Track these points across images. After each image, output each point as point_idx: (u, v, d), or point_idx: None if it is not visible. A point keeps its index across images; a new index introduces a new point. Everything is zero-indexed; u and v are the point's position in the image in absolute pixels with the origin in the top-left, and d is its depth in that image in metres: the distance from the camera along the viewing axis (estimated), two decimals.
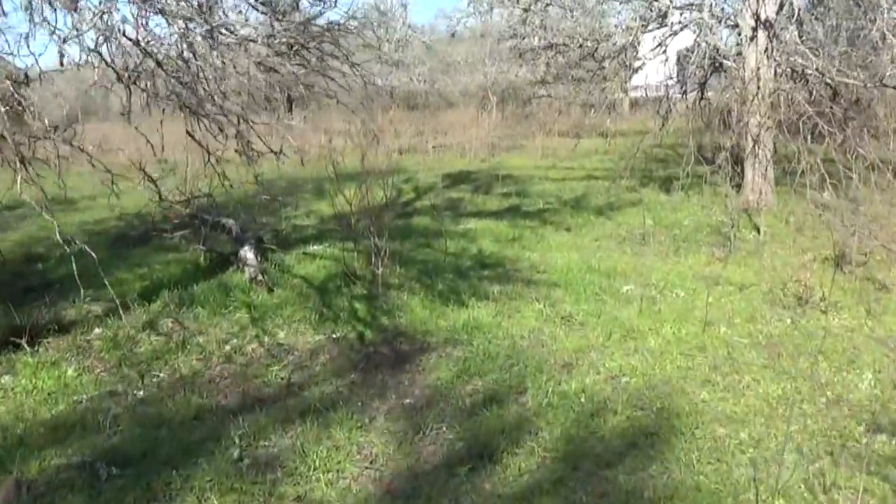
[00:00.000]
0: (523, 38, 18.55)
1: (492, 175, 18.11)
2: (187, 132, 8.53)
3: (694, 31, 16.36)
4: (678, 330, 7.95)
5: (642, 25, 15.35)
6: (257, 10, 8.68)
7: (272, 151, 8.94)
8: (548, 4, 17.73)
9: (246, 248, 10.08)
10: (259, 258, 10.08)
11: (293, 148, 10.09)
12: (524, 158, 23.80)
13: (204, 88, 7.76)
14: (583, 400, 6.34)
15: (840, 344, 7.68)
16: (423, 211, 14.78)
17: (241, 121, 8.30)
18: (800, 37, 15.44)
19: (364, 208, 10.72)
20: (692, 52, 16.26)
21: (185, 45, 7.64)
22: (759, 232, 12.51)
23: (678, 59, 18.68)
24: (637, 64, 16.10)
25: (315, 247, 11.42)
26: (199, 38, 7.70)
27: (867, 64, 17.77)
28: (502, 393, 6.50)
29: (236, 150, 8.61)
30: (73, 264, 7.27)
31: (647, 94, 17.48)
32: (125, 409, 6.45)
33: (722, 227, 12.52)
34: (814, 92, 15.75)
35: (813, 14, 17.03)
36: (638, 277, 9.94)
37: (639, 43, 15.83)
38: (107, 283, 7.59)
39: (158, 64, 7.50)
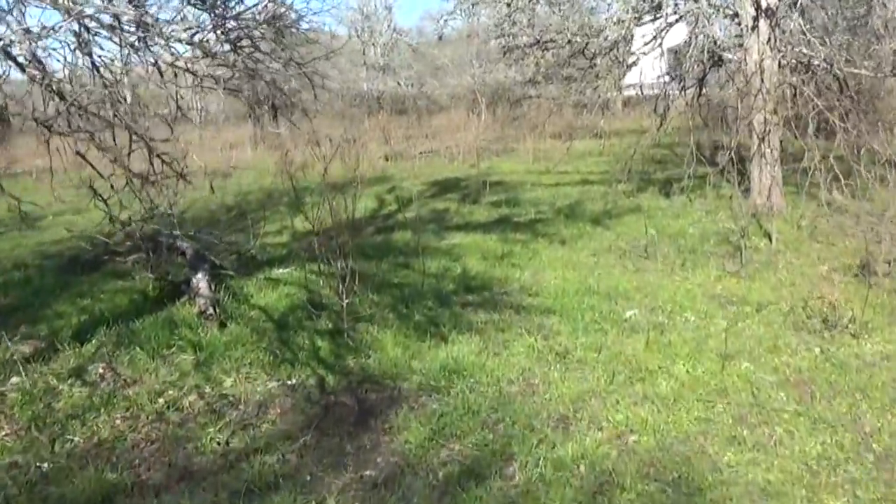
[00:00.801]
0: (511, 38, 17.35)
1: (481, 182, 16.84)
2: (77, 153, 7.28)
3: (689, 23, 15.13)
4: (693, 368, 6.73)
5: (635, 18, 14.12)
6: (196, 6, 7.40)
7: (177, 175, 7.69)
8: (534, 1, 16.51)
9: (199, 275, 8.83)
10: (213, 287, 8.82)
11: (205, 169, 8.79)
12: (515, 163, 22.57)
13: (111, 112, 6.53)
14: (583, 470, 5.13)
15: (879, 377, 6.54)
16: (404, 225, 13.54)
17: (139, 140, 7.05)
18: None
19: (336, 225, 9.44)
20: (689, 46, 15.03)
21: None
22: (770, 240, 11.34)
23: (675, 55, 17.44)
24: (631, 60, 14.85)
25: (281, 270, 10.15)
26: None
27: (871, 53, 16.64)
28: (484, 463, 5.27)
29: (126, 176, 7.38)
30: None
31: (642, 92, 16.06)
32: (22, 487, 5.22)
33: (730, 234, 11.40)
34: (820, 84, 14.57)
35: (814, 1, 15.80)
36: (642, 299, 8.78)
37: (631, 37, 14.60)
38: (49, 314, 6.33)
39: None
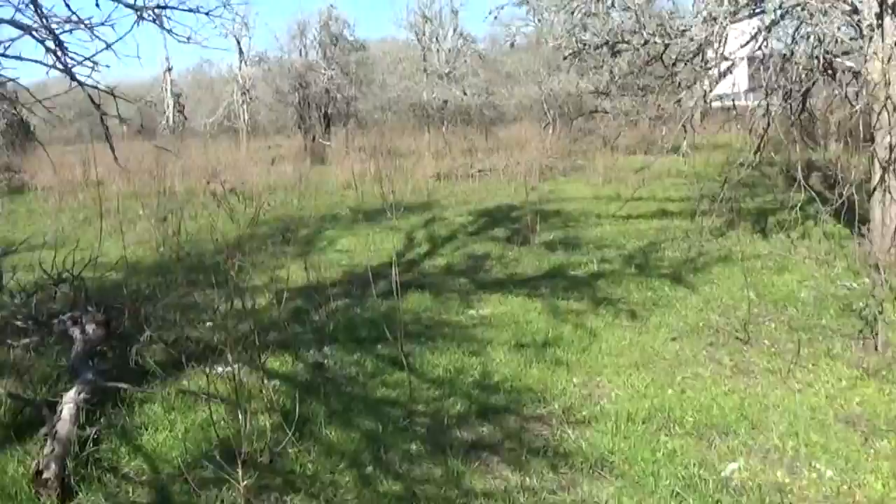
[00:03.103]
0: (582, 44, 13.99)
1: (537, 212, 13.39)
2: None
3: (795, 20, 11.56)
4: None
5: (731, 13, 10.61)
6: None
7: None
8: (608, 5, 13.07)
9: (71, 394, 5.61)
10: (85, 414, 5.59)
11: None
12: (582, 184, 19.13)
13: None
14: None
15: None
16: (428, 277, 10.28)
17: None
18: None
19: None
20: (793, 50, 11.47)
21: None
22: None
23: (761, 62, 13.77)
24: (725, 65, 11.33)
25: (221, 369, 6.83)
26: None
27: None
28: None
29: None
30: None
31: (734, 107, 12.51)
32: None
33: (854, 299, 8.32)
34: None
35: None
36: (748, 432, 5.63)
37: (725, 38, 11.08)
38: None
39: None
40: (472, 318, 8.34)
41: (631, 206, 15.04)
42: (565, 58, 12.56)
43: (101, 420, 5.77)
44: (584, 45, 13.05)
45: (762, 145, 11.78)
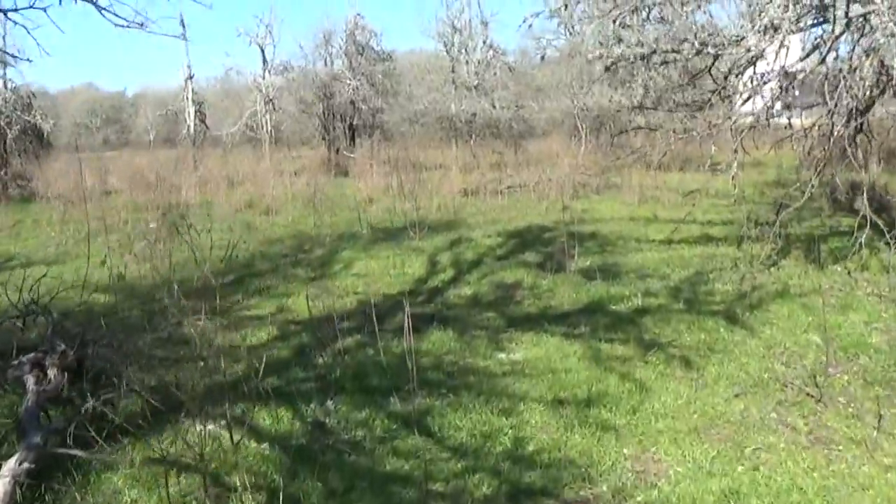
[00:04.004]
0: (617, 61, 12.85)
1: (572, 234, 12.17)
2: None
3: (857, 31, 10.35)
4: None
5: (793, 21, 9.41)
6: None
7: None
8: (646, 19, 11.92)
9: (10, 463, 4.54)
10: (18, 494, 4.50)
11: None
12: (617, 204, 17.88)
13: None
14: None
15: None
16: (452, 309, 9.13)
17: None
18: None
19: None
20: (856, 64, 10.25)
21: None
22: None
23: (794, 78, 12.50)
24: (782, 82, 10.10)
25: (199, 426, 5.72)
26: None
27: None
28: None
29: None
30: None
31: (790, 125, 11.23)
32: None
33: None
34: None
35: None
36: None
37: (787, 49, 9.88)
38: None
39: None
40: (501, 364, 7.18)
41: (670, 227, 13.86)
42: (606, 69, 11.33)
43: (46, 497, 4.66)
44: (621, 57, 11.90)
45: (821, 167, 10.55)
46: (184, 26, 30.80)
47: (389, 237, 13.79)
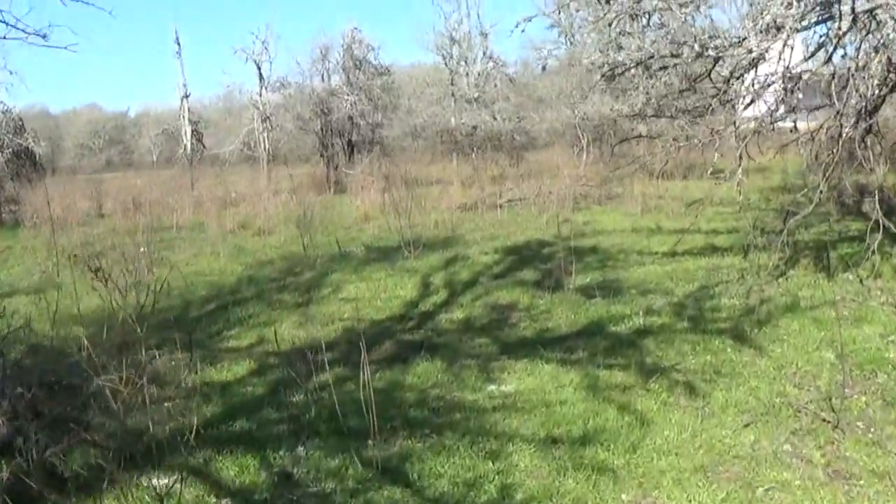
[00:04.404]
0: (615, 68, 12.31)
1: (571, 249, 11.59)
2: None
3: (863, 29, 9.78)
4: None
5: (797, 19, 8.86)
6: None
7: None
8: (646, 26, 11.39)
9: None
10: None
11: None
12: (619, 215, 17.30)
13: None
14: None
15: None
16: (443, 335, 8.58)
17: None
18: None
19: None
20: (865, 62, 9.68)
21: None
22: None
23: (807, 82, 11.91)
24: (787, 85, 9.50)
25: (154, 480, 5.17)
26: None
27: None
28: None
29: None
30: None
31: (795, 128, 10.67)
32: None
33: None
34: None
35: None
36: None
37: (792, 49, 9.30)
38: None
39: None
40: (491, 398, 6.60)
41: (673, 240, 13.28)
42: (602, 76, 10.78)
43: None
44: (619, 64, 11.35)
45: (829, 171, 9.95)
46: (179, 44, 30.48)
47: (383, 257, 13.24)
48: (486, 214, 18.16)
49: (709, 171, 11.87)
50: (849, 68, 8.96)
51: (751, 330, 8.03)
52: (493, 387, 6.83)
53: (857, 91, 8.86)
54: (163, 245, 16.45)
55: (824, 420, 5.94)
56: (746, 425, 5.92)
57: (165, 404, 6.82)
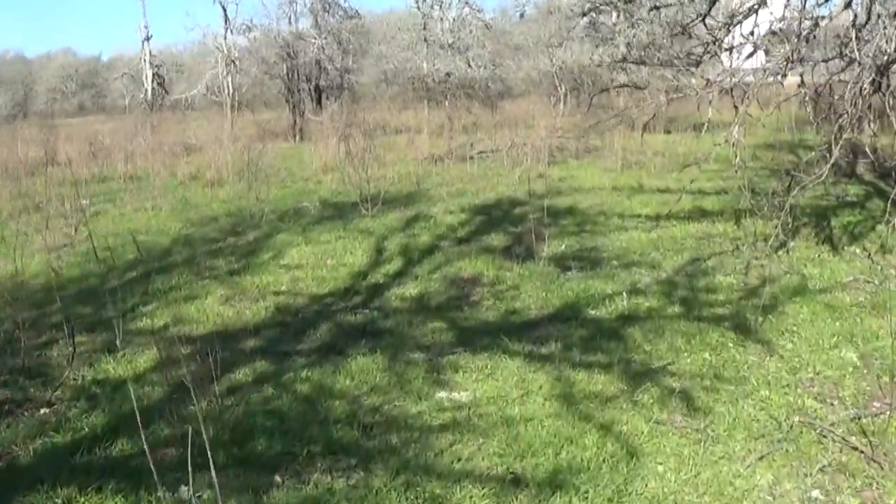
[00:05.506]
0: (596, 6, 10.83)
1: (545, 210, 10.14)
2: None
3: None
4: None
5: None
6: None
7: None
8: None
9: None
10: None
11: None
12: (598, 170, 15.84)
13: None
14: None
15: None
16: (390, 317, 7.15)
17: None
18: None
19: None
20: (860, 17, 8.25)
21: None
22: None
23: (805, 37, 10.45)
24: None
25: None
26: None
27: None
28: None
29: None
30: None
31: (802, 80, 9.25)
32: None
33: None
34: None
35: None
36: None
37: None
38: None
39: None
40: (440, 409, 5.16)
41: (658, 200, 11.89)
42: (584, 14, 9.31)
43: None
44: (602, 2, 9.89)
45: (844, 132, 8.52)
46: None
47: (338, 214, 11.78)
48: (455, 167, 16.62)
49: (705, 128, 10.45)
50: (879, 14, 7.48)
51: (755, 319, 6.65)
52: (443, 393, 5.41)
53: (888, 42, 7.40)
54: (105, 198, 14.91)
55: (855, 448, 4.60)
56: (762, 457, 4.55)
57: (42, 411, 5.41)
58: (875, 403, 5.25)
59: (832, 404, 5.25)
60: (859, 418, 4.97)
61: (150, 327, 7.03)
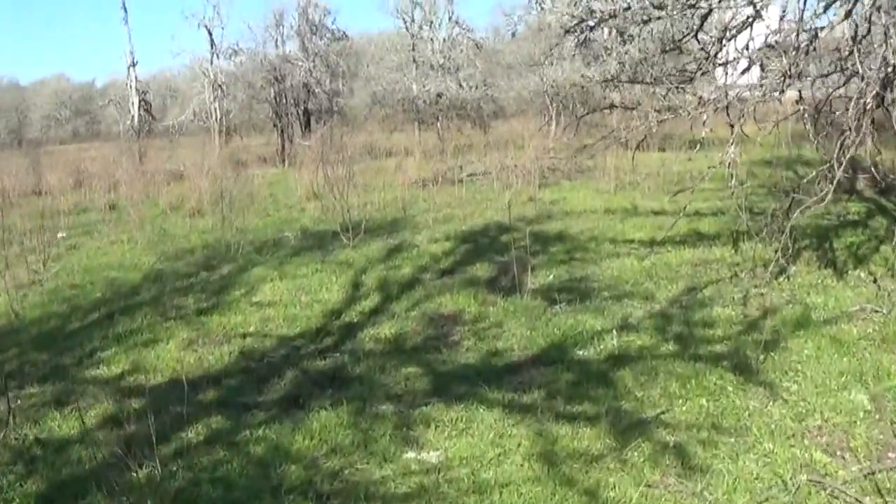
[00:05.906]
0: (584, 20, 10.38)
1: (534, 237, 9.61)
2: None
3: None
4: None
5: None
6: None
7: None
8: None
9: None
10: None
11: None
12: (590, 192, 15.33)
13: None
14: None
15: None
16: (361, 362, 6.60)
17: None
18: None
19: None
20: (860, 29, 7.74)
21: None
22: None
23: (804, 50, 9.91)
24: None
25: None
26: None
27: None
28: None
29: None
30: None
31: (800, 95, 8.75)
32: None
33: None
34: None
35: None
36: None
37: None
38: None
39: None
40: (406, 473, 4.60)
41: (653, 224, 11.36)
42: (571, 30, 8.80)
43: None
44: (592, 16, 9.36)
45: (846, 151, 7.99)
46: (126, 10, 28.25)
47: (318, 245, 11.25)
48: (443, 191, 16.08)
49: (697, 147, 9.95)
50: (886, 25, 6.96)
51: (755, 357, 6.12)
52: (411, 453, 4.85)
53: (894, 53, 6.88)
54: (83, 230, 14.43)
55: None
56: None
57: None
58: (890, 455, 4.73)
59: (843, 457, 4.71)
60: (873, 473, 4.43)
61: (105, 376, 6.51)
